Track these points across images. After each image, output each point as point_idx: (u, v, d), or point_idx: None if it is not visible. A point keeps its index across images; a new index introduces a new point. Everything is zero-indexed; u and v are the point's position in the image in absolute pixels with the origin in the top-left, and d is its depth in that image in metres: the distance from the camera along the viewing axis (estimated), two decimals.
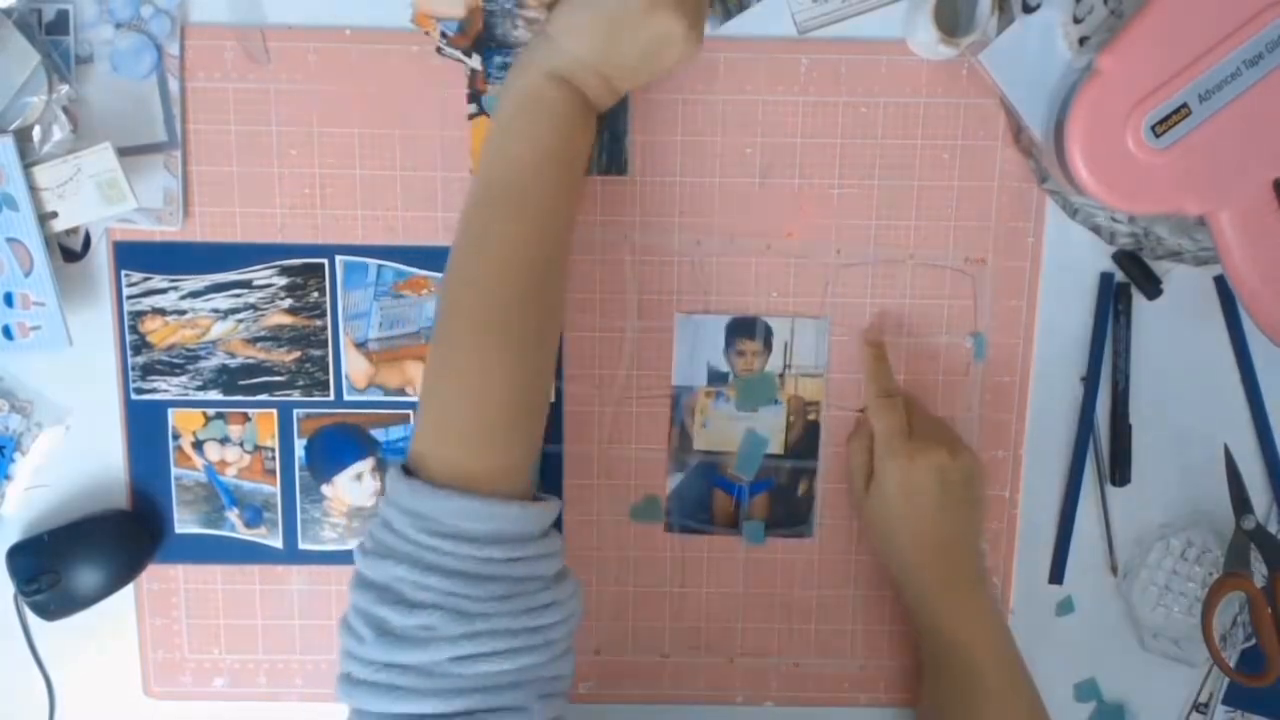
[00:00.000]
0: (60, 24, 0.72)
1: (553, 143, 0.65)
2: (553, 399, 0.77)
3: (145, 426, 0.77)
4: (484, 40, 0.73)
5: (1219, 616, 0.78)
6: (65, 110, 0.71)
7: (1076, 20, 0.71)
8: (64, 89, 0.71)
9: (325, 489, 0.78)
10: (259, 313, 0.76)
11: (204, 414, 0.77)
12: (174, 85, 0.73)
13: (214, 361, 0.77)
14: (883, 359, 0.76)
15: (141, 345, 0.76)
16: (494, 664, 0.59)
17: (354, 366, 0.77)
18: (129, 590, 0.78)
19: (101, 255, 0.75)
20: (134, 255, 0.75)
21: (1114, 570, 0.80)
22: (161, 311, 0.76)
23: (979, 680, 0.71)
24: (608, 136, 0.74)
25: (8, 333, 0.72)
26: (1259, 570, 0.77)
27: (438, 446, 0.63)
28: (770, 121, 0.75)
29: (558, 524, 0.78)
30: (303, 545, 0.79)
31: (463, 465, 0.62)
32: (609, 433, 0.78)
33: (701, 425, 0.78)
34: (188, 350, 0.77)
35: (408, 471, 0.63)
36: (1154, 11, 0.66)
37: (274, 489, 0.78)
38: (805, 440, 0.78)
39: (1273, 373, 0.78)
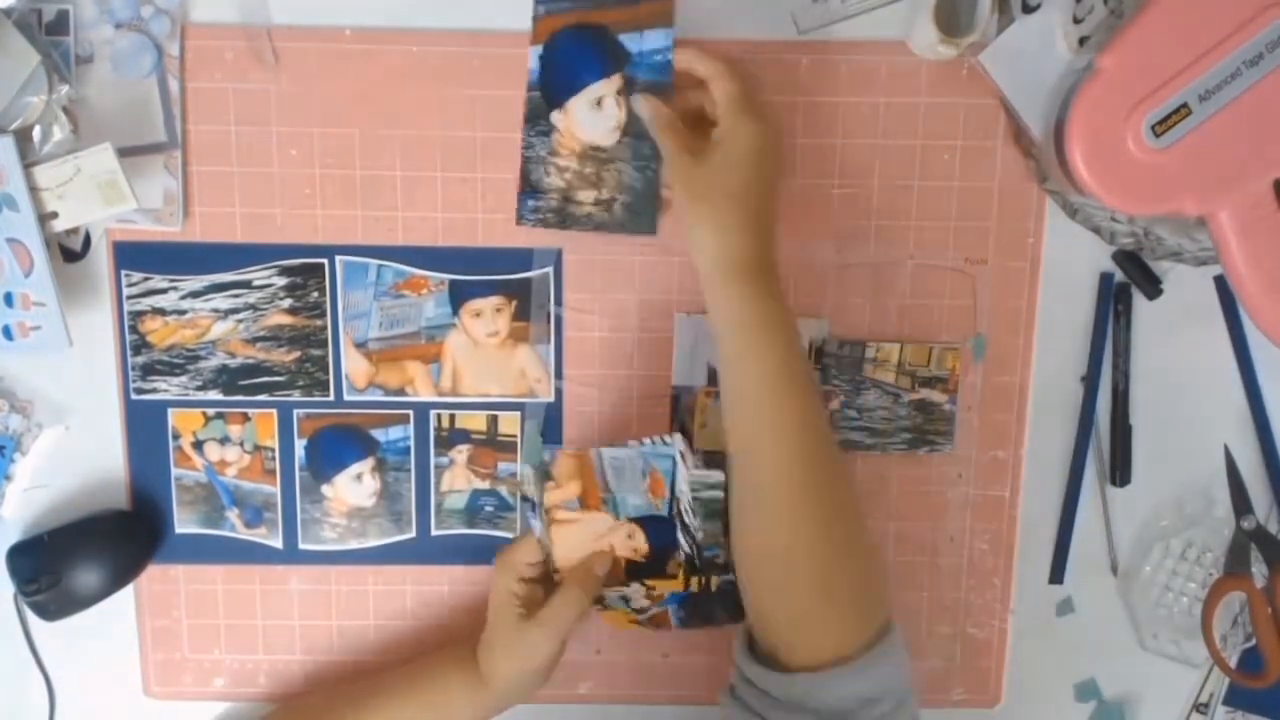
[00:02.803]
0: (60, 24, 0.72)
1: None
2: (552, 398, 0.77)
3: (145, 426, 0.77)
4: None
5: (1219, 616, 0.78)
6: (65, 110, 0.71)
7: (1076, 20, 0.71)
8: (64, 89, 0.71)
9: (325, 489, 0.78)
10: (259, 313, 0.76)
11: (204, 414, 0.77)
12: (174, 85, 0.73)
13: (214, 361, 0.77)
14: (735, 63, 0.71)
15: (141, 345, 0.76)
16: None
17: (354, 366, 0.77)
18: (129, 590, 0.78)
19: (101, 255, 0.75)
20: (134, 255, 0.75)
21: (1114, 570, 0.80)
22: (161, 311, 0.76)
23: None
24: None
25: (8, 333, 0.72)
26: (1259, 570, 0.77)
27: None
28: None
29: None
30: (303, 545, 0.79)
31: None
32: (609, 433, 0.78)
33: (701, 425, 0.78)
34: (188, 350, 0.76)
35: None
36: (1154, 11, 0.66)
37: (274, 489, 0.78)
38: None
39: (1273, 373, 0.78)
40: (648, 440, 0.72)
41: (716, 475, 0.72)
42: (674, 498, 0.72)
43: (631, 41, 0.72)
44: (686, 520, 0.73)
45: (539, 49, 0.73)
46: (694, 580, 0.75)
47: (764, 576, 0.67)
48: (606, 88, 0.73)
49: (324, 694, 0.78)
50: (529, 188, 0.75)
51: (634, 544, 0.73)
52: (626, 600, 0.76)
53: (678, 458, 0.72)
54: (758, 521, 0.66)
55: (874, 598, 0.66)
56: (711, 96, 0.70)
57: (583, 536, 0.74)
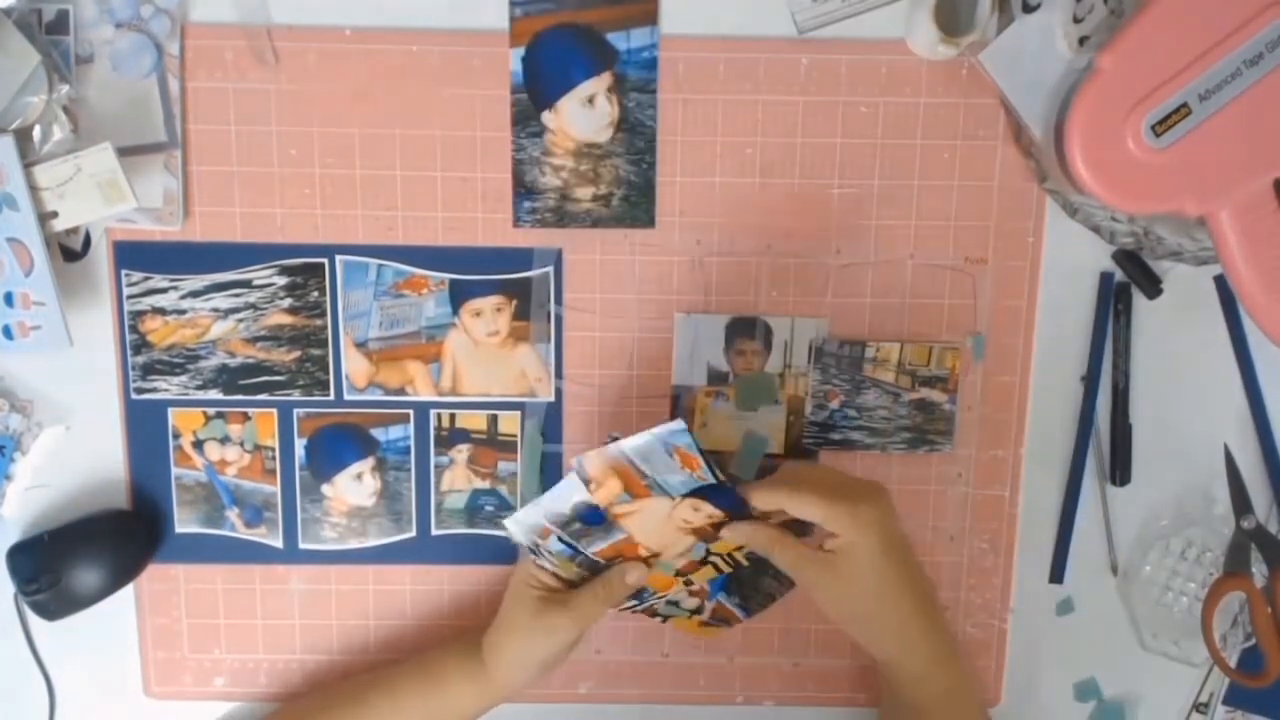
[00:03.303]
0: (60, 24, 0.72)
1: None
2: (552, 398, 0.77)
3: (145, 426, 0.77)
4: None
5: (1219, 616, 0.78)
6: (65, 110, 0.71)
7: (1076, 20, 0.71)
8: (64, 89, 0.71)
9: (325, 489, 0.78)
10: (259, 312, 0.76)
11: (204, 413, 0.77)
12: (174, 85, 0.73)
13: (214, 361, 0.77)
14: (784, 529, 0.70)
15: (141, 345, 0.76)
16: None
17: (354, 366, 0.77)
18: (129, 590, 0.78)
19: (101, 255, 0.75)
20: (134, 255, 0.75)
21: (1114, 570, 0.80)
22: (161, 311, 0.76)
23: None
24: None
25: (8, 333, 0.72)
26: (1259, 570, 0.77)
27: None
28: (770, 121, 0.75)
29: None
30: (303, 545, 0.79)
31: None
32: (609, 433, 0.78)
33: (701, 425, 0.78)
34: (188, 350, 0.77)
35: None
36: (1154, 11, 0.66)
37: (274, 489, 0.78)
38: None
39: (1273, 373, 0.78)
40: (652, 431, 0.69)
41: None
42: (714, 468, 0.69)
43: (618, 40, 0.73)
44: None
45: (520, 51, 0.73)
46: (722, 562, 0.74)
47: None
48: (597, 85, 0.73)
49: (324, 692, 0.78)
50: (523, 190, 0.75)
51: (707, 511, 0.70)
52: (677, 604, 0.76)
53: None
54: None
55: None
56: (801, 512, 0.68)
57: (655, 518, 0.70)
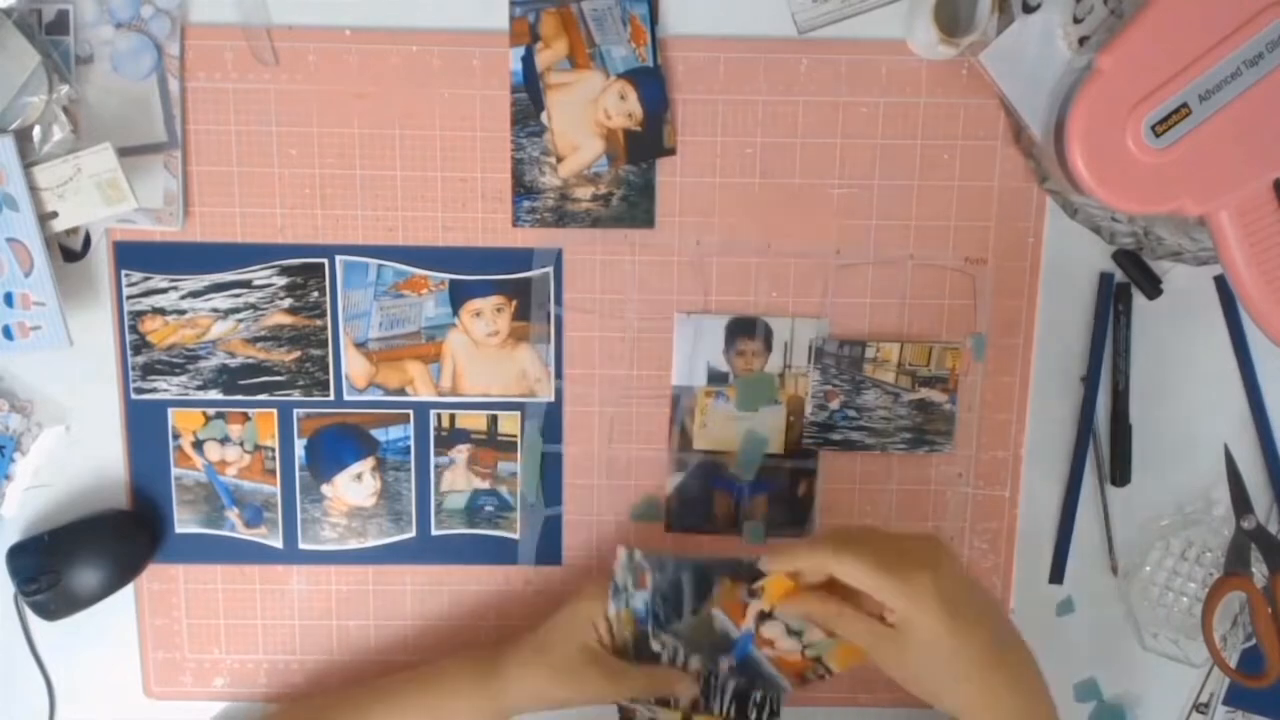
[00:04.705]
0: (60, 24, 0.72)
1: None
2: (552, 398, 0.77)
3: (145, 426, 0.77)
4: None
5: (1219, 616, 0.78)
6: (65, 110, 0.71)
7: (1076, 20, 0.71)
8: (64, 89, 0.71)
9: (325, 489, 0.78)
10: (259, 313, 0.76)
11: (204, 414, 0.77)
12: (174, 85, 0.73)
13: (214, 361, 0.77)
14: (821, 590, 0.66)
15: (141, 345, 0.76)
16: None
17: (354, 366, 0.77)
18: (129, 590, 0.78)
19: (101, 255, 0.75)
20: (134, 255, 0.75)
21: (1114, 570, 0.80)
22: (161, 311, 0.76)
23: None
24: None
25: (8, 333, 0.72)
26: (1259, 570, 0.77)
27: None
28: (770, 121, 0.75)
29: (558, 525, 0.78)
30: (303, 545, 0.79)
31: None
32: (609, 433, 0.78)
33: (701, 425, 0.78)
34: (188, 350, 0.77)
35: None
36: (1154, 11, 0.66)
37: (274, 489, 0.78)
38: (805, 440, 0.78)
39: (1273, 373, 0.78)
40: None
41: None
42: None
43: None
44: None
45: (521, 50, 0.73)
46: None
47: None
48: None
49: (323, 699, 0.78)
50: (522, 190, 0.75)
51: (628, 107, 0.71)
52: None
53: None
54: None
55: None
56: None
57: (579, 102, 0.70)
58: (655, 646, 0.71)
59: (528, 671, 0.71)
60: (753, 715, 0.72)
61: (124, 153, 0.71)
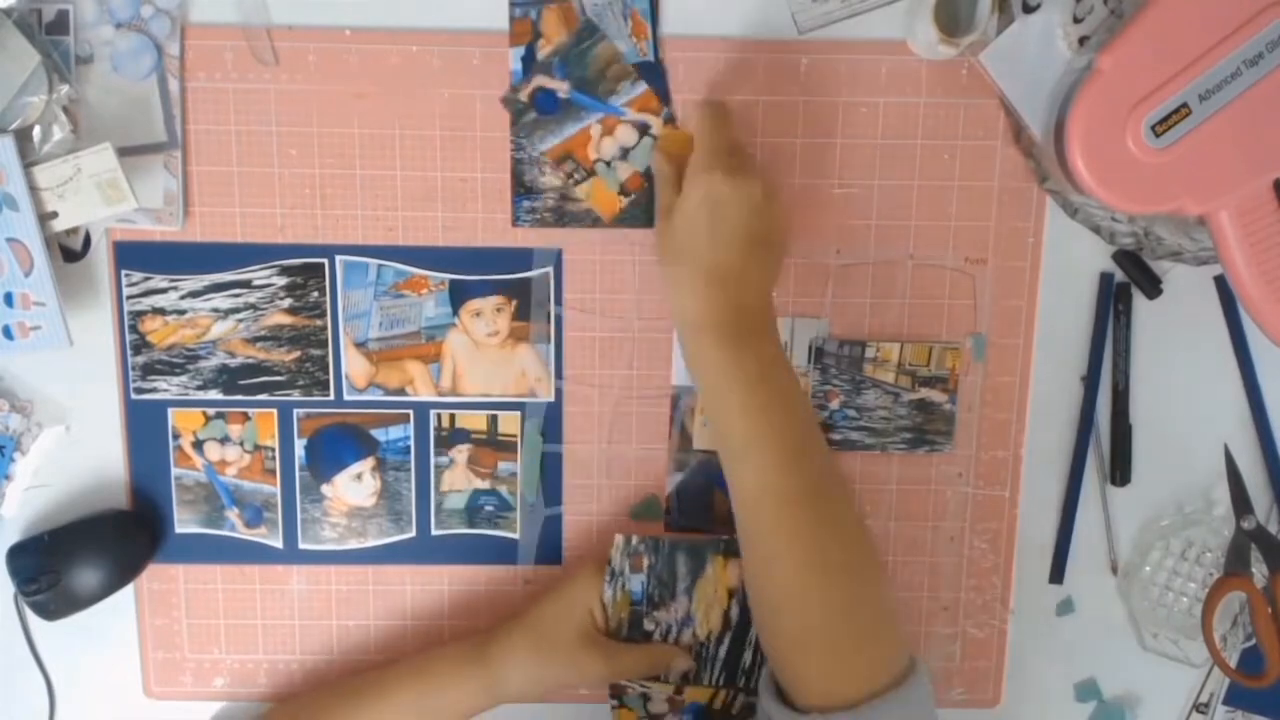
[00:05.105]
0: (60, 24, 0.72)
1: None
2: (552, 398, 0.77)
3: (145, 426, 0.77)
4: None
5: (1219, 616, 0.78)
6: (65, 110, 0.71)
7: (1076, 20, 0.71)
8: (64, 89, 0.71)
9: (325, 489, 0.78)
10: (259, 312, 0.76)
11: (204, 414, 0.77)
12: (174, 85, 0.73)
13: (214, 361, 0.77)
14: (723, 118, 0.70)
15: (141, 345, 0.76)
16: None
17: (354, 366, 0.77)
18: (129, 590, 0.78)
19: (101, 255, 0.75)
20: (134, 255, 0.75)
21: (1114, 570, 0.80)
22: (161, 311, 0.76)
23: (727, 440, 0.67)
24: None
25: (8, 333, 0.72)
26: (1259, 570, 0.77)
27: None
28: (770, 121, 0.75)
29: (558, 524, 0.78)
30: (303, 545, 0.79)
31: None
32: (609, 433, 0.78)
33: (701, 425, 0.78)
34: (188, 350, 0.76)
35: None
36: (1154, 11, 0.66)
37: (274, 489, 0.78)
38: None
39: (1273, 373, 0.78)
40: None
41: None
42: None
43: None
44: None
45: (521, 50, 0.73)
46: (721, 694, 0.75)
47: (769, 625, 0.66)
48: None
49: (316, 691, 0.78)
50: (522, 190, 0.75)
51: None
52: (646, 700, 0.75)
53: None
54: (759, 573, 0.66)
55: (886, 642, 0.65)
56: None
57: None
58: (648, 626, 0.74)
59: (520, 656, 0.72)
60: (741, 682, 0.75)
61: (124, 153, 0.71)
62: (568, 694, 0.81)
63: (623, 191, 0.74)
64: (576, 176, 0.73)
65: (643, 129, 0.73)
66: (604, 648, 0.72)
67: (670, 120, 0.73)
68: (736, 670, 0.75)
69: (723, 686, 0.75)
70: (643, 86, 0.73)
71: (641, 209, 0.75)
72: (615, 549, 0.74)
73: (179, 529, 0.78)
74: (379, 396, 0.77)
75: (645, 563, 0.74)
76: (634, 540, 0.74)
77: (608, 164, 0.73)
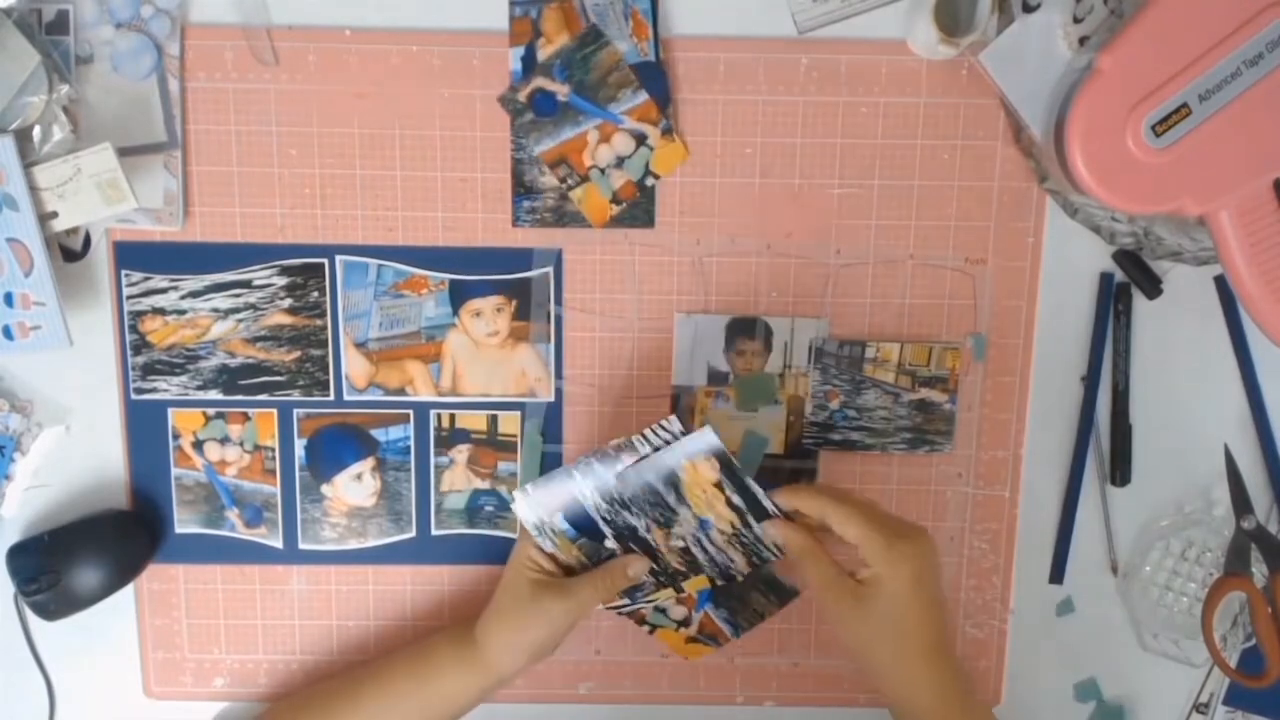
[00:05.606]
0: (60, 24, 0.72)
1: None
2: (552, 398, 0.77)
3: (145, 426, 0.77)
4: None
5: (1219, 616, 0.78)
6: (65, 110, 0.71)
7: (1076, 20, 0.71)
8: (64, 89, 0.71)
9: (325, 489, 0.78)
10: (259, 313, 0.76)
11: (204, 414, 0.77)
12: (174, 85, 0.73)
13: (214, 361, 0.77)
14: (830, 490, 0.69)
15: (141, 345, 0.76)
16: None
17: (354, 366, 0.77)
18: (129, 590, 0.78)
19: (101, 255, 0.75)
20: (134, 255, 0.75)
21: (1114, 570, 0.80)
22: (161, 311, 0.76)
23: None
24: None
25: (8, 333, 0.72)
26: (1259, 570, 0.77)
27: None
28: (770, 121, 0.75)
29: None
30: (303, 545, 0.79)
31: None
32: (609, 433, 0.78)
33: (701, 425, 0.77)
34: (188, 350, 0.77)
35: None
36: (1154, 11, 0.66)
37: (274, 489, 0.78)
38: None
39: (1273, 373, 0.78)
40: (648, 431, 0.69)
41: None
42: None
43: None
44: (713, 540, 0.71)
45: (521, 50, 0.73)
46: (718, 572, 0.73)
47: None
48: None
49: (315, 687, 0.78)
50: (522, 190, 0.75)
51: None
52: (665, 612, 0.75)
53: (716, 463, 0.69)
54: None
55: None
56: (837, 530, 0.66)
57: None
58: (611, 545, 0.72)
59: (493, 628, 0.72)
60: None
61: (124, 153, 0.71)
62: (570, 694, 0.81)
63: (615, 200, 0.74)
64: (570, 181, 0.73)
65: (640, 138, 0.73)
66: (557, 588, 0.71)
67: (668, 131, 0.73)
68: (697, 561, 0.72)
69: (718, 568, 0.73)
70: (643, 96, 0.72)
71: (631, 217, 0.75)
72: (516, 508, 0.71)
73: (179, 529, 0.78)
74: (379, 396, 0.77)
75: (558, 498, 0.70)
76: (529, 489, 0.70)
77: (602, 171, 0.73)
